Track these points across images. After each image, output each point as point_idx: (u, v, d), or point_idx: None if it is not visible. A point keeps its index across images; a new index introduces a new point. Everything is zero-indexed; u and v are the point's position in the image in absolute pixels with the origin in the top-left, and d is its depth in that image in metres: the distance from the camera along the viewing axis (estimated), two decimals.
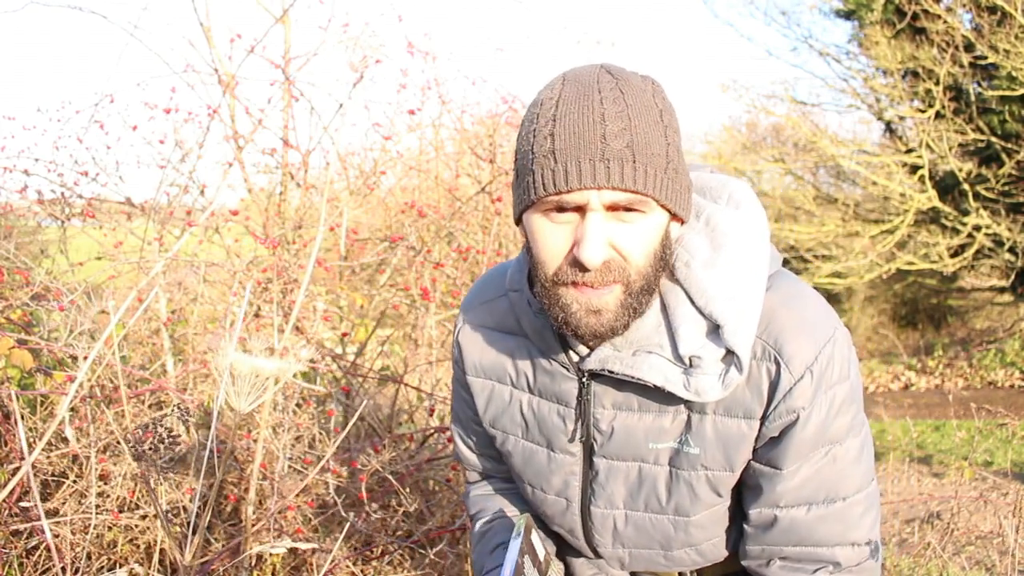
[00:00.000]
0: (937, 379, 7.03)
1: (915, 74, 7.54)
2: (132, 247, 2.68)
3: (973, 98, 7.29)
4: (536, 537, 1.09)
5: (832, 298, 9.04)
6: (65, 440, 2.01)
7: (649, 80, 0.99)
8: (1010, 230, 7.17)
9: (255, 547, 1.35)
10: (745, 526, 1.11)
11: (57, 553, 1.66)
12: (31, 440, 1.97)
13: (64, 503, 1.97)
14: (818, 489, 1.04)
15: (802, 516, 1.05)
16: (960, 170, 7.24)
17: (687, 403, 1.05)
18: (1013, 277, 7.79)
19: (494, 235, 3.28)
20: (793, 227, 8.23)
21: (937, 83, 7.04)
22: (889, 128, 8.64)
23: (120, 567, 1.96)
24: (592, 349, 1.07)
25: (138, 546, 2.09)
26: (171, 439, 1.57)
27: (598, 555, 1.24)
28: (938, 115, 7.16)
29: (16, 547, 1.88)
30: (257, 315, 2.43)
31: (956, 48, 6.92)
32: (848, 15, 8.37)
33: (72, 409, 2.00)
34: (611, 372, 1.04)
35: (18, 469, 1.72)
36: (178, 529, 2.01)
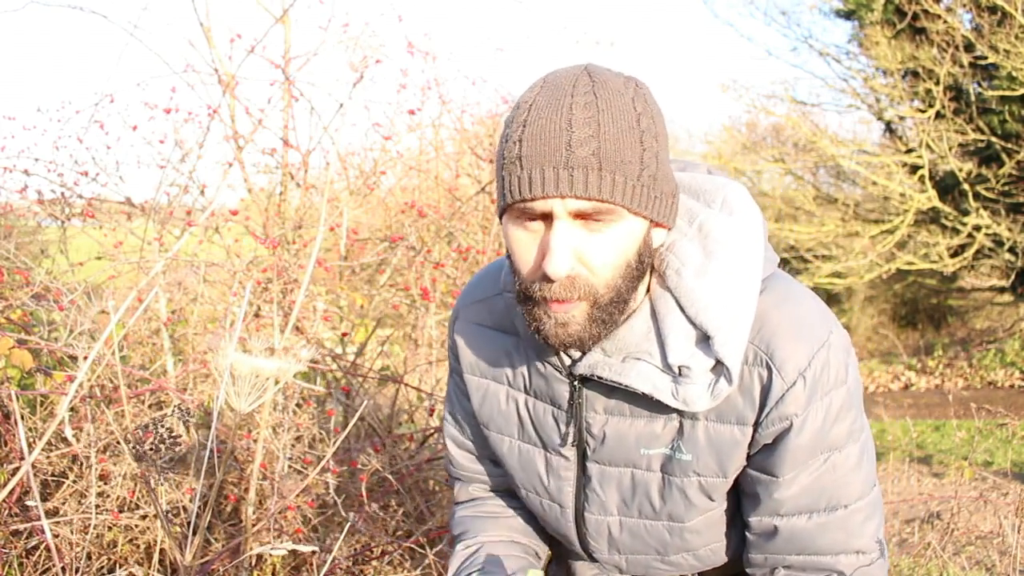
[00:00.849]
0: (937, 379, 7.03)
1: (915, 74, 7.54)
2: (132, 247, 2.68)
3: (973, 98, 7.29)
4: None
5: (832, 298, 9.05)
6: (65, 440, 2.01)
7: (632, 82, 0.96)
8: (1010, 230, 7.17)
9: (255, 548, 1.35)
10: (747, 534, 1.10)
11: (57, 553, 1.66)
12: (31, 440, 1.97)
13: (64, 503, 1.97)
14: (818, 497, 1.03)
15: (803, 524, 1.04)
16: (960, 170, 7.24)
17: (679, 409, 1.03)
18: (1013, 277, 7.79)
19: (494, 235, 3.28)
20: (793, 227, 8.23)
21: (937, 83, 7.04)
22: (889, 128, 8.63)
23: (120, 567, 1.96)
24: (584, 353, 1.06)
25: (138, 546, 2.09)
26: (171, 439, 1.57)
27: (595, 560, 1.23)
28: (938, 115, 7.16)
29: (16, 547, 1.88)
30: (257, 315, 2.43)
31: (956, 48, 6.92)
32: (848, 15, 8.37)
33: (72, 409, 2.00)
34: (600, 378, 1.03)
35: (18, 469, 1.72)
36: (178, 529, 2.01)
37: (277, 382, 1.29)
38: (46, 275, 2.37)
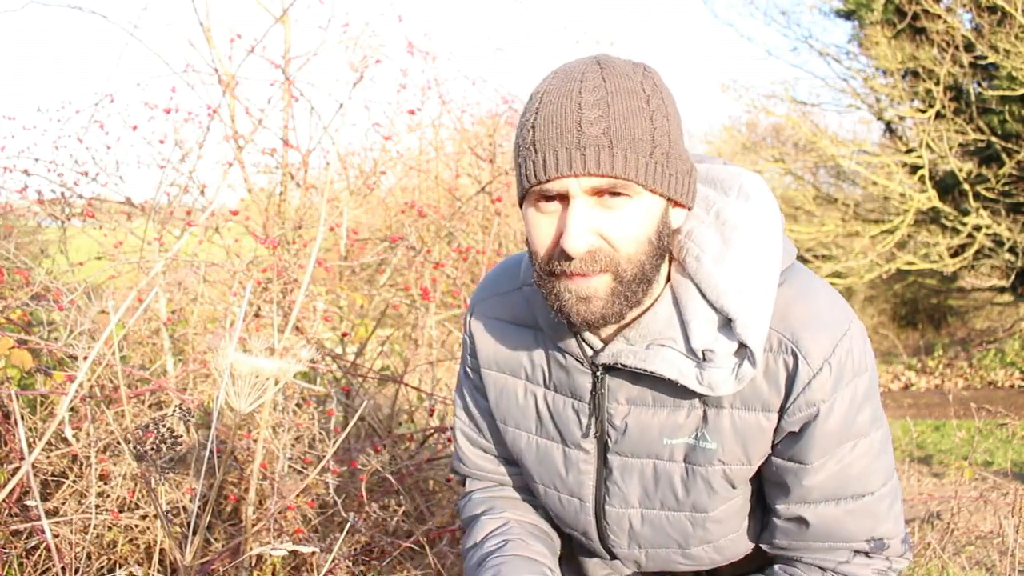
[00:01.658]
0: (937, 379, 7.03)
1: (915, 74, 7.54)
2: (132, 247, 2.68)
3: (973, 98, 7.29)
4: None
5: None
6: (65, 440, 2.01)
7: (641, 67, 0.99)
8: (1010, 230, 7.17)
9: (255, 548, 1.35)
10: (775, 520, 1.10)
11: (57, 553, 1.66)
12: (31, 440, 1.97)
13: (64, 503, 1.97)
14: (846, 484, 1.03)
15: (831, 512, 1.04)
16: (960, 170, 7.24)
17: (702, 397, 1.04)
18: (1013, 277, 7.79)
19: (494, 235, 3.28)
20: (793, 227, 8.23)
21: (937, 83, 7.04)
22: (889, 128, 8.63)
23: (120, 567, 1.96)
24: (606, 343, 1.07)
25: (138, 546, 2.09)
26: (172, 439, 1.57)
27: (613, 556, 1.22)
28: (938, 115, 7.15)
29: (16, 547, 1.88)
30: (257, 315, 2.43)
31: (956, 48, 6.92)
32: (848, 15, 8.37)
33: (72, 409, 2.00)
34: (624, 366, 1.03)
35: (18, 469, 1.72)
36: (178, 529, 2.01)
37: (277, 382, 1.29)
38: (46, 275, 2.37)
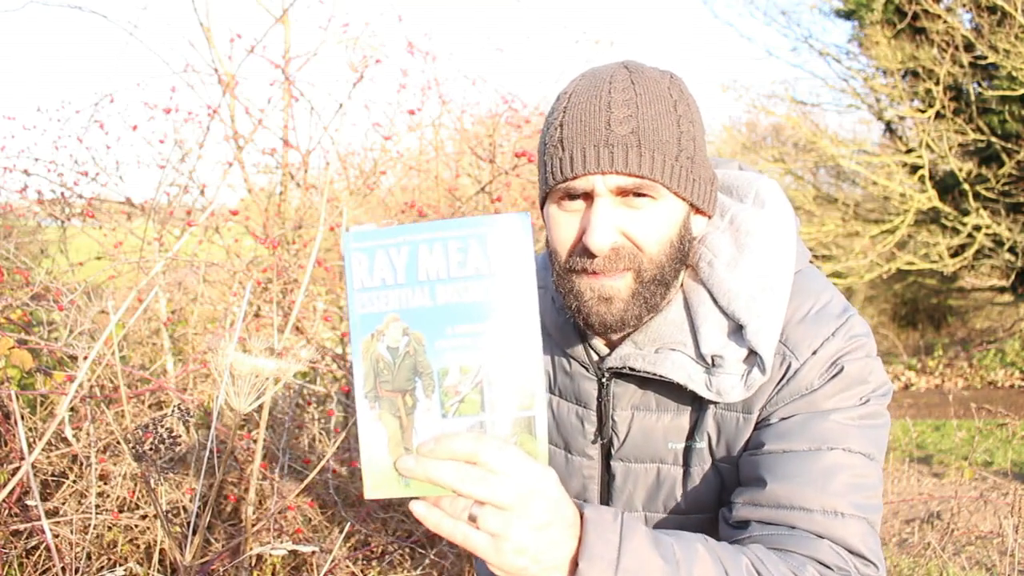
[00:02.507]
0: (937, 379, 7.03)
1: (915, 74, 7.54)
2: (132, 247, 2.68)
3: (973, 98, 7.29)
4: None
5: None
6: (65, 440, 2.01)
7: (668, 74, 1.00)
8: (1010, 230, 7.17)
9: (255, 548, 1.35)
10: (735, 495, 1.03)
11: (57, 553, 1.66)
12: (31, 440, 1.97)
13: (64, 503, 1.97)
14: (812, 436, 0.96)
15: (790, 463, 0.95)
16: (960, 170, 7.24)
17: (700, 400, 1.03)
18: (1013, 277, 7.79)
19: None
20: None
21: (937, 83, 7.04)
22: (889, 128, 8.63)
23: (120, 567, 1.96)
24: (613, 348, 1.06)
25: (138, 546, 2.09)
26: (171, 439, 1.57)
27: None
28: (938, 115, 7.15)
29: (16, 547, 1.88)
30: (257, 315, 2.43)
31: (956, 48, 6.92)
32: (848, 15, 8.37)
33: (72, 409, 2.00)
34: (632, 370, 1.03)
35: (18, 469, 1.72)
36: (178, 529, 2.01)
37: (277, 382, 1.29)
38: (46, 275, 2.37)
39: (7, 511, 1.85)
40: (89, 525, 1.89)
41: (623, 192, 0.93)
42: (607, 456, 1.13)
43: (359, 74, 2.70)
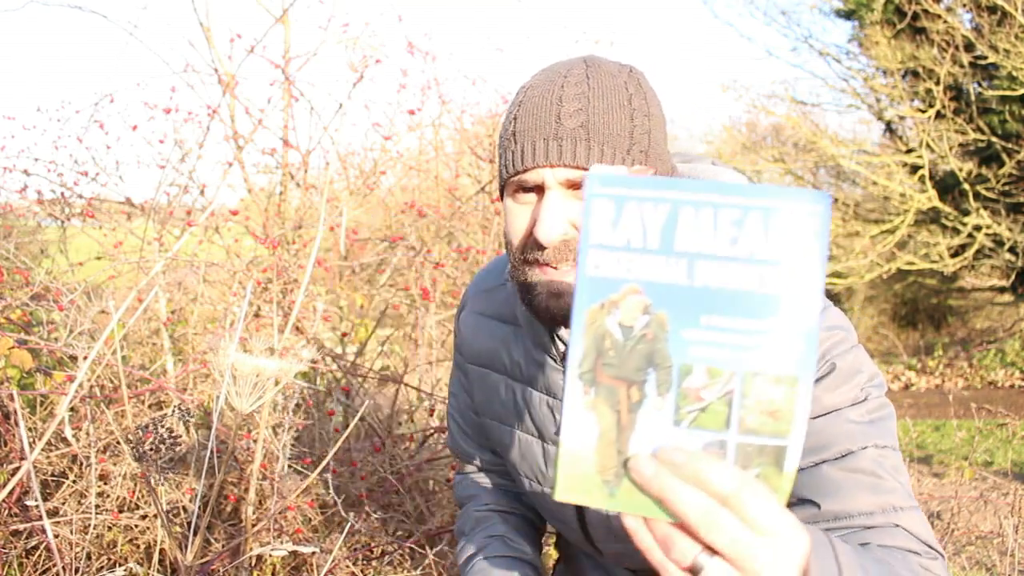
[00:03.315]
0: (937, 379, 7.03)
1: (915, 74, 7.54)
2: (132, 247, 2.68)
3: (973, 98, 7.29)
4: None
5: (832, 298, 9.04)
6: (65, 440, 2.01)
7: (627, 68, 1.00)
8: (1010, 230, 7.17)
9: (255, 548, 1.35)
10: None
11: (57, 553, 1.66)
12: (31, 440, 1.97)
13: (64, 503, 1.97)
14: (826, 441, 0.95)
15: (819, 477, 0.94)
16: (960, 170, 7.24)
17: None
18: (1013, 277, 7.79)
19: (494, 235, 3.28)
20: None
21: (937, 83, 7.04)
22: (889, 128, 8.63)
23: (120, 567, 1.96)
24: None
25: (138, 546, 2.09)
26: (172, 439, 1.57)
27: (597, 551, 1.23)
28: (938, 115, 7.15)
29: (16, 547, 1.88)
30: (257, 315, 2.43)
31: (956, 48, 6.92)
32: (848, 15, 8.37)
33: (72, 409, 2.00)
34: None
35: (18, 469, 1.72)
36: (178, 529, 2.01)
37: (278, 382, 1.30)
38: (46, 275, 2.37)
39: (7, 511, 1.85)
40: (89, 525, 1.89)
41: (573, 185, 0.94)
42: None
43: (359, 74, 2.70)
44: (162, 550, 2.02)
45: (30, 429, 2.03)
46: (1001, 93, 6.84)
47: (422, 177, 4.10)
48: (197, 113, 2.85)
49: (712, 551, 0.58)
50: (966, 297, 9.21)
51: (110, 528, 2.03)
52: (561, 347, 1.09)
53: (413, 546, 2.17)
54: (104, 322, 2.22)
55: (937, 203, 7.31)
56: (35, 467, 1.95)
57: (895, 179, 7.49)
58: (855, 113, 9.29)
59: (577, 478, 0.62)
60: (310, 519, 2.13)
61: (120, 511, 2.01)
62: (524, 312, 1.11)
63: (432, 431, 2.55)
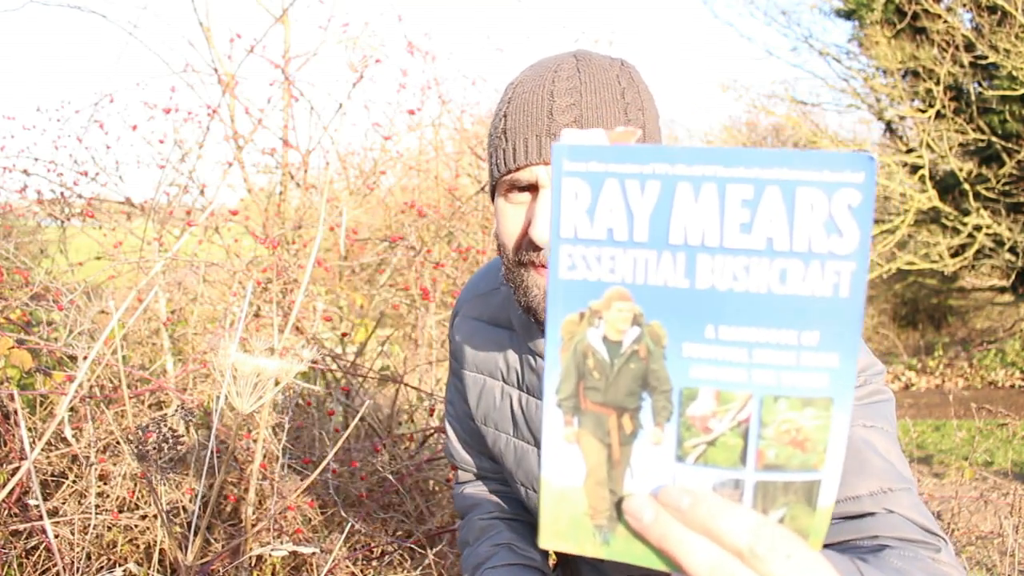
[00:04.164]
0: (937, 379, 7.02)
1: (915, 74, 7.54)
2: (132, 247, 2.68)
3: (973, 98, 7.29)
4: None
5: None
6: (65, 440, 2.01)
7: (619, 61, 0.98)
8: (1010, 230, 7.17)
9: (255, 548, 1.35)
10: None
11: (57, 553, 1.66)
12: (31, 440, 1.97)
13: (64, 503, 1.97)
14: None
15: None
16: (960, 170, 7.24)
17: None
18: (1013, 277, 7.79)
19: (494, 235, 3.27)
20: None
21: (937, 83, 7.04)
22: (889, 128, 8.63)
23: (120, 567, 1.96)
24: None
25: (138, 546, 2.09)
26: (174, 439, 1.57)
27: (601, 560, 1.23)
28: (938, 115, 7.15)
29: (16, 547, 1.88)
30: (257, 315, 2.43)
31: (956, 48, 6.92)
32: (848, 15, 8.37)
33: (72, 409, 2.00)
34: None
35: (18, 469, 1.72)
36: (178, 529, 2.01)
37: (278, 382, 1.29)
38: (46, 275, 2.37)
39: (7, 511, 1.85)
40: (89, 525, 1.89)
41: None
42: None
43: (359, 74, 2.70)
44: (162, 550, 2.02)
45: (30, 429, 2.03)
46: (1001, 93, 6.84)
47: (422, 177, 4.10)
48: (197, 113, 2.85)
49: None
50: (966, 297, 9.21)
51: (110, 528, 2.03)
52: None
53: (413, 546, 2.17)
54: (104, 322, 2.22)
55: (937, 203, 7.31)
56: (35, 467, 1.95)
57: (895, 179, 7.49)
58: (855, 113, 9.29)
59: (564, 522, 0.52)
60: (310, 519, 2.13)
61: (120, 511, 2.01)
62: (520, 315, 1.09)
63: (432, 431, 2.55)
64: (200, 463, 2.00)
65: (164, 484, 1.96)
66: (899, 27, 7.41)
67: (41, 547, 1.94)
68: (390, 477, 2.21)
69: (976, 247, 7.28)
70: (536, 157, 0.90)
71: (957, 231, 7.43)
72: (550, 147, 0.89)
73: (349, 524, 2.01)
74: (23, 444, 1.35)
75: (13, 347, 1.75)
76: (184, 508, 2.03)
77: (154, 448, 1.53)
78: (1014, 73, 6.59)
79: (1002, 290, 8.32)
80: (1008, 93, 6.76)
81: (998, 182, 7.11)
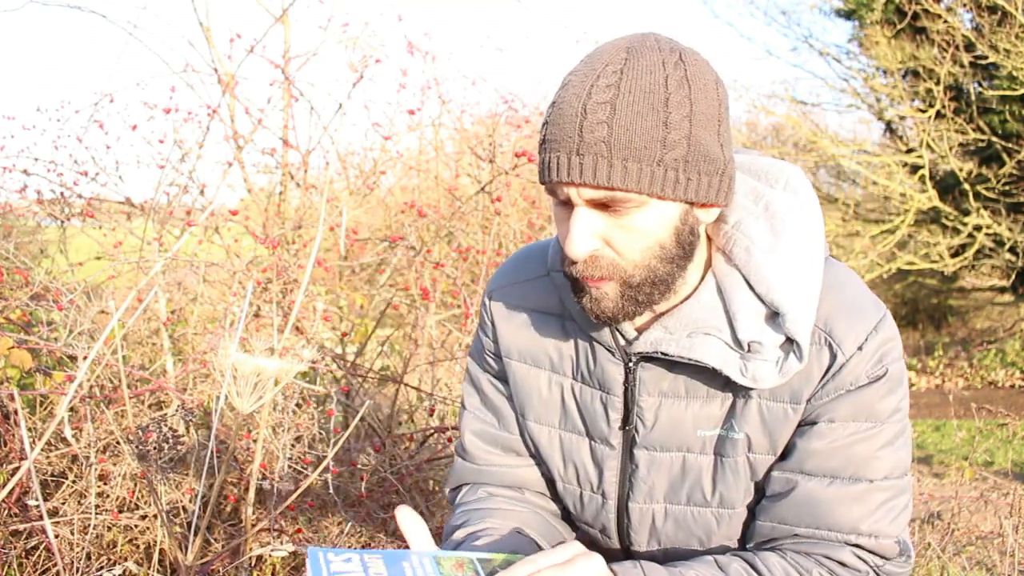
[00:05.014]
0: (937, 379, 7.02)
1: (915, 74, 7.54)
2: (132, 247, 2.68)
3: (973, 98, 7.29)
4: None
5: None
6: (65, 440, 2.01)
7: (674, 56, 0.91)
8: (1011, 230, 7.17)
9: (255, 548, 1.35)
10: (764, 498, 1.06)
11: (57, 553, 1.66)
12: (31, 440, 1.97)
13: (64, 503, 1.97)
14: (846, 463, 1.00)
15: (822, 490, 1.00)
16: (960, 170, 7.23)
17: (732, 387, 1.02)
18: (1014, 277, 7.78)
19: (494, 235, 3.27)
20: None
21: (937, 83, 7.03)
22: (889, 128, 8.63)
23: (119, 567, 1.96)
24: (640, 332, 1.04)
25: (138, 546, 2.09)
26: (174, 438, 1.57)
27: (629, 555, 1.18)
28: (938, 115, 7.15)
29: (16, 547, 1.88)
30: (257, 315, 2.43)
31: (956, 48, 6.92)
32: (848, 15, 8.36)
33: (72, 409, 2.00)
34: (665, 354, 1.00)
35: (18, 469, 1.72)
36: (178, 529, 2.01)
37: (278, 382, 1.29)
38: (46, 275, 2.37)
39: (7, 511, 1.85)
40: (89, 525, 1.89)
41: (599, 204, 0.91)
42: (630, 444, 1.10)
43: (359, 74, 2.70)
44: (162, 550, 2.02)
45: (30, 429, 2.03)
46: (1001, 93, 6.84)
47: (422, 177, 4.10)
48: (197, 113, 2.85)
49: None
50: (966, 297, 9.21)
51: (110, 528, 2.03)
52: (621, 339, 1.06)
53: None
54: (104, 322, 2.22)
55: (937, 203, 7.31)
56: (35, 467, 1.95)
57: (895, 179, 7.49)
58: (855, 113, 9.29)
59: None
60: (310, 519, 2.13)
61: (120, 511, 2.01)
62: (575, 302, 1.05)
63: (432, 431, 2.55)
64: (200, 463, 2.00)
65: (164, 484, 1.96)
66: (899, 27, 7.40)
67: (41, 547, 1.94)
68: (390, 477, 2.21)
69: (976, 247, 7.28)
70: (565, 176, 0.89)
71: (957, 231, 7.43)
72: (578, 167, 0.88)
73: (349, 524, 2.01)
74: (23, 444, 1.35)
75: (13, 347, 1.75)
76: (184, 508, 2.03)
77: (154, 448, 1.54)
78: (1014, 73, 6.59)
79: (1002, 290, 8.32)
80: (1008, 93, 6.76)
81: (998, 182, 7.10)
